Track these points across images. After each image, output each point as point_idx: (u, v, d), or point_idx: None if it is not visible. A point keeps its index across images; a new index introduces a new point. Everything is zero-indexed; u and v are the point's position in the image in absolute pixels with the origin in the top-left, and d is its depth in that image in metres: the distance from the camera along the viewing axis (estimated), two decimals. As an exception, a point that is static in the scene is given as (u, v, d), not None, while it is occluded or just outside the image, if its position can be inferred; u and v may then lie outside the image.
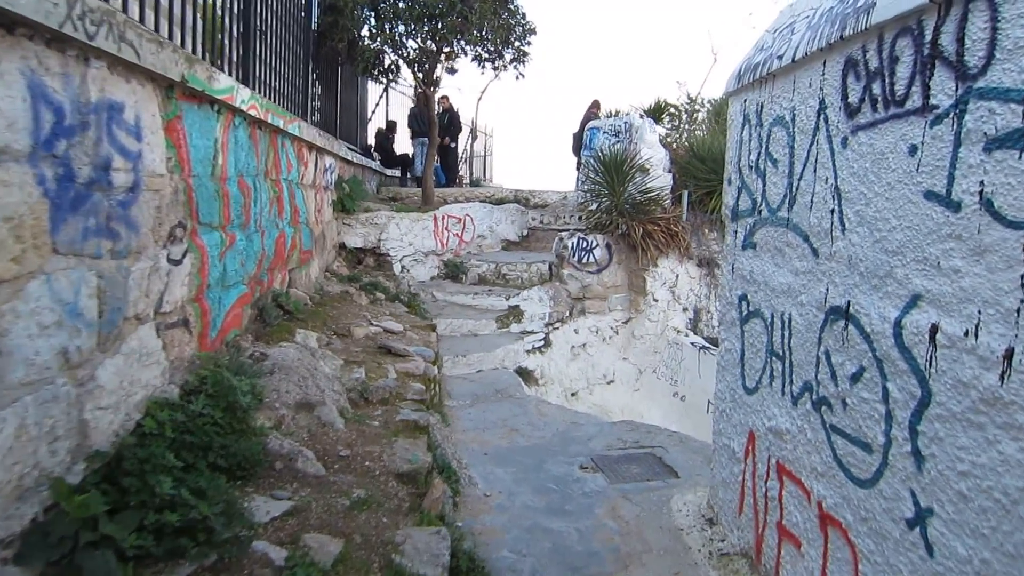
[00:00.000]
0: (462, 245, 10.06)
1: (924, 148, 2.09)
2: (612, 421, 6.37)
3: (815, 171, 2.80)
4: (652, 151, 9.29)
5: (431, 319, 7.68)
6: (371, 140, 16.38)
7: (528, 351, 8.33)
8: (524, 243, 11.44)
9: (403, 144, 16.85)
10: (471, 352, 7.70)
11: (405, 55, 9.49)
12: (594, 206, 9.56)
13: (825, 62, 2.71)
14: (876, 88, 2.35)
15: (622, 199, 8.90)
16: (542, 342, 8.53)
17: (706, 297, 9.12)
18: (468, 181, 21.68)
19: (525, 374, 8.12)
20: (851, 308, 2.50)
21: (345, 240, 8.92)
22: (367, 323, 6.21)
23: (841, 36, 2.52)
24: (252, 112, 4.44)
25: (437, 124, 11.20)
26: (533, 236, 11.68)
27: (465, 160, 25.21)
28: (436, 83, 10.42)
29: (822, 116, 2.73)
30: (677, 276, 8.92)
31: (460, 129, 16.62)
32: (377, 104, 18.19)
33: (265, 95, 6.06)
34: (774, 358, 3.26)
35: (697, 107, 13.56)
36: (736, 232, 3.88)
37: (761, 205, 3.42)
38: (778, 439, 3.19)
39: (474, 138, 25.62)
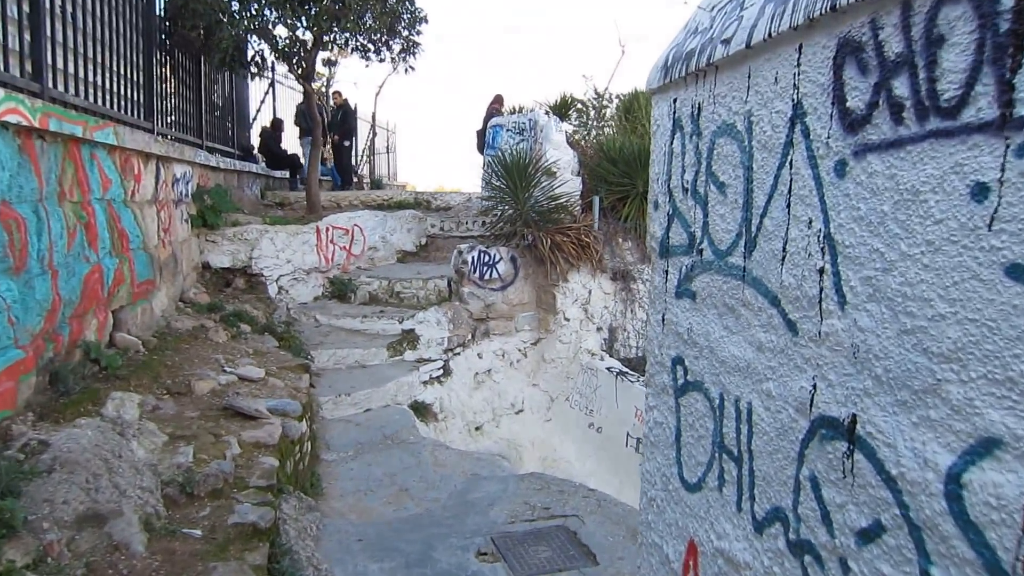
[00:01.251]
0: (351, 259, 8.94)
1: (1005, 190, 1.22)
2: (519, 474, 5.46)
3: (788, 207, 1.92)
4: (559, 152, 8.42)
5: (307, 354, 6.57)
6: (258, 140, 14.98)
7: (425, 382, 7.33)
8: (423, 253, 10.40)
9: (295, 144, 15.52)
10: (357, 388, 6.64)
11: (274, 45, 8.27)
12: (497, 214, 8.63)
13: (801, 47, 1.82)
14: (900, 87, 1.47)
15: (527, 206, 8.00)
16: (441, 371, 7.54)
17: (622, 314, 8.33)
18: (369, 181, 20.45)
19: (422, 409, 7.13)
20: (859, 427, 1.63)
21: (209, 259, 7.67)
22: (218, 371, 5.07)
23: (832, 6, 1.63)
24: (13, 119, 3.26)
25: (321, 122, 10.00)
26: (433, 245, 10.65)
27: (366, 159, 23.89)
28: (312, 77, 9.23)
29: (798, 127, 1.85)
30: (590, 292, 8.09)
31: (355, 127, 15.38)
32: (263, 101, 16.75)
33: (82, 94, 4.85)
34: (725, 455, 2.38)
35: (605, 103, 12.81)
36: (667, 273, 2.98)
37: (702, 242, 2.54)
38: (733, 570, 2.32)
39: (374, 135, 24.31)
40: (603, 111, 13.24)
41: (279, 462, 4.00)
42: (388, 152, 28.09)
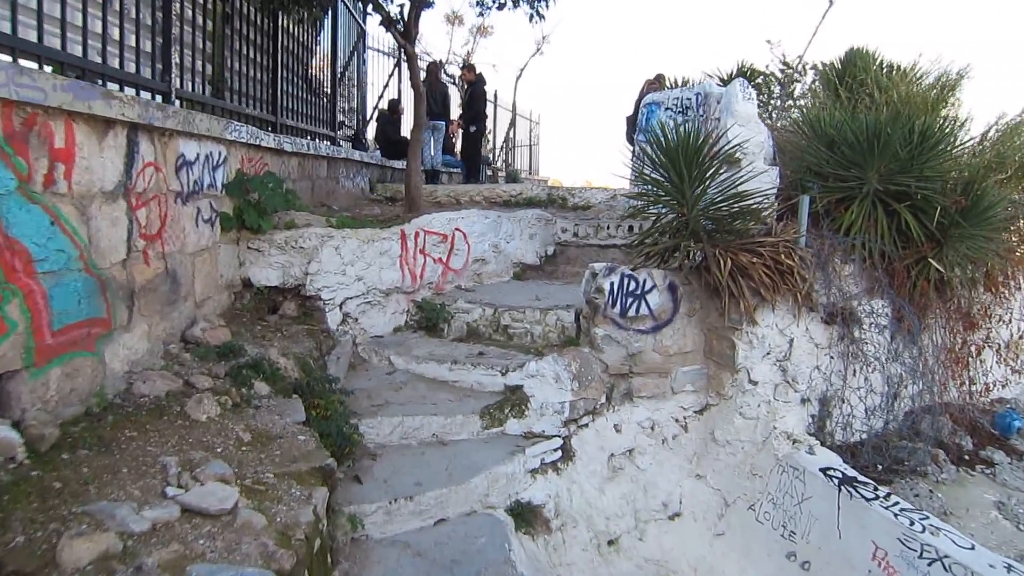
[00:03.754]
0: (447, 276, 6.66)
1: None
2: None
3: None
4: (747, 130, 5.68)
5: (350, 432, 4.30)
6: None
7: (534, 470, 4.93)
8: (548, 267, 8.00)
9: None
10: (427, 486, 4.33)
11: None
12: (651, 220, 6.05)
13: None
14: None
15: (697, 210, 5.35)
16: (558, 453, 5.10)
17: (839, 377, 5.50)
18: (505, 175, 18.35)
19: (527, 515, 4.73)
20: None
21: (251, 274, 5.62)
22: (152, 495, 2.87)
23: None
24: None
25: (425, 96, 7.79)
26: (563, 256, 8.23)
27: (504, 150, 21.81)
28: (413, 36, 7.01)
29: None
30: (791, 341, 5.33)
31: (484, 110, 13.17)
32: (386, 84, 14.98)
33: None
34: None
35: (797, 75, 9.79)
36: None
37: None
38: None
39: (514, 124, 22.14)
40: (791, 87, 10.22)
41: None
42: (530, 144, 25.93)
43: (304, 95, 8.71)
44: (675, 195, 5.37)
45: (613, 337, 5.36)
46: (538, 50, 20.77)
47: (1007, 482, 5.61)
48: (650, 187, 5.74)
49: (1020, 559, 4.64)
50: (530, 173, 24.09)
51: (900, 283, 5.71)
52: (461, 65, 17.10)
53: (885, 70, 7.18)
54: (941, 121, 6.05)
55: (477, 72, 13.38)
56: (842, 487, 4.53)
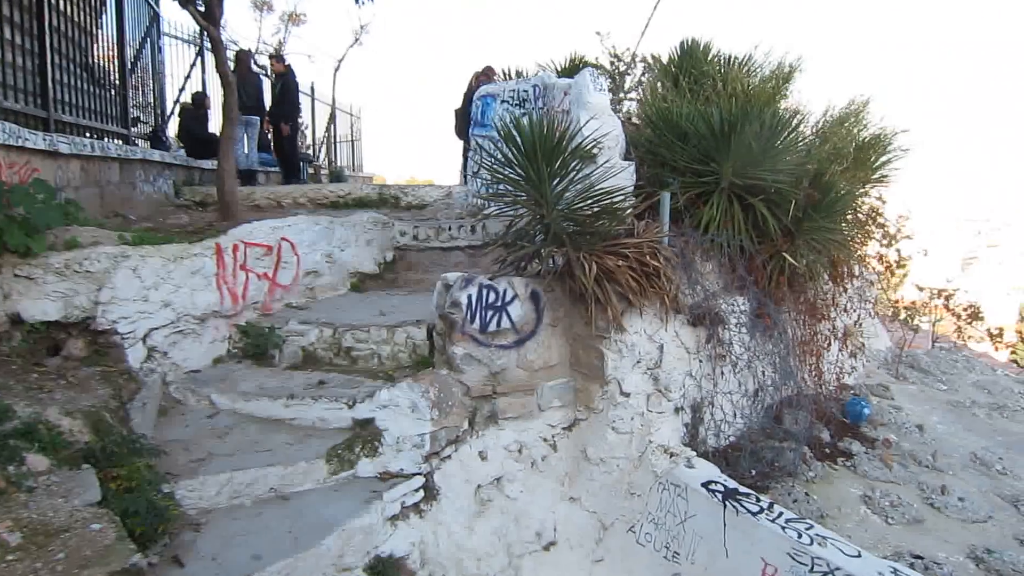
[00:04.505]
0: (275, 293, 5.80)
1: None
2: None
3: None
4: (601, 123, 5.30)
5: (166, 505, 3.43)
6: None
7: (393, 517, 4.27)
8: (388, 275, 7.29)
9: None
10: (269, 559, 3.56)
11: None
12: (495, 221, 5.55)
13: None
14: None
15: (557, 211, 4.90)
16: (420, 492, 4.46)
17: (709, 380, 5.29)
18: (328, 173, 17.17)
19: (389, 571, 4.09)
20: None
21: (21, 309, 4.47)
22: None
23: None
24: None
25: (235, 87, 6.79)
26: (403, 261, 7.55)
27: (324, 147, 20.58)
28: (216, 16, 6.04)
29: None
30: (661, 347, 5.03)
31: (298, 103, 12.09)
32: (188, 76, 13.42)
33: None
34: None
35: (628, 67, 9.68)
36: None
37: None
38: None
39: (333, 119, 20.93)
40: (622, 78, 10.12)
41: None
42: (352, 139, 24.71)
43: (86, 87, 7.39)
44: (533, 194, 4.89)
45: (473, 355, 4.80)
46: (357, 40, 19.72)
47: (868, 473, 5.69)
48: (503, 186, 5.21)
49: (897, 557, 4.64)
50: (353, 170, 22.97)
51: (759, 278, 5.61)
52: (270, 55, 15.76)
53: (722, 61, 7.16)
54: (784, 112, 6.06)
55: (287, 63, 12.25)
56: (727, 502, 4.27)
